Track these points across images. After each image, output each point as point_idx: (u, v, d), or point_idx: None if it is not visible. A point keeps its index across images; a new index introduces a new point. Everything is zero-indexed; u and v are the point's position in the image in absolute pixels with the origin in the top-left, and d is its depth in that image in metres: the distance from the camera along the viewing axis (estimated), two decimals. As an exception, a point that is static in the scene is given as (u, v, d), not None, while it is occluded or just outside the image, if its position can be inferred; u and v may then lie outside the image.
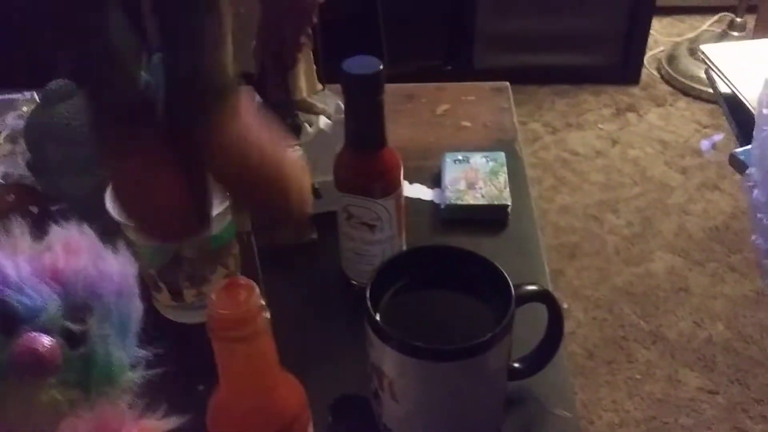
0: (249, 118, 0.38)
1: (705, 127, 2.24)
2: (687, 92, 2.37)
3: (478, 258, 0.60)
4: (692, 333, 1.62)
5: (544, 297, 0.60)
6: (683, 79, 2.39)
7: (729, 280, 1.74)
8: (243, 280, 0.43)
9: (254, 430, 0.46)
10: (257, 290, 0.42)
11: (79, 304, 0.49)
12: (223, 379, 0.45)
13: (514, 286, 0.58)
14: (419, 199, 0.89)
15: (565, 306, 1.67)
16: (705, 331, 1.62)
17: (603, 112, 2.31)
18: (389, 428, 0.60)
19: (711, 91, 1.34)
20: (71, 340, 0.48)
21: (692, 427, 1.43)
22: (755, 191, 0.95)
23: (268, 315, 0.43)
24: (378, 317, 0.57)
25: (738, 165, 1.03)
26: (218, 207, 0.66)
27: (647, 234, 1.89)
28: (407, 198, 0.88)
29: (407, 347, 0.54)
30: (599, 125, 2.26)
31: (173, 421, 0.58)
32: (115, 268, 0.52)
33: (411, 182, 0.91)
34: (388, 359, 0.56)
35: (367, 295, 0.56)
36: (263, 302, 0.42)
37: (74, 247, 0.50)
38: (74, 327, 0.48)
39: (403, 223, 0.76)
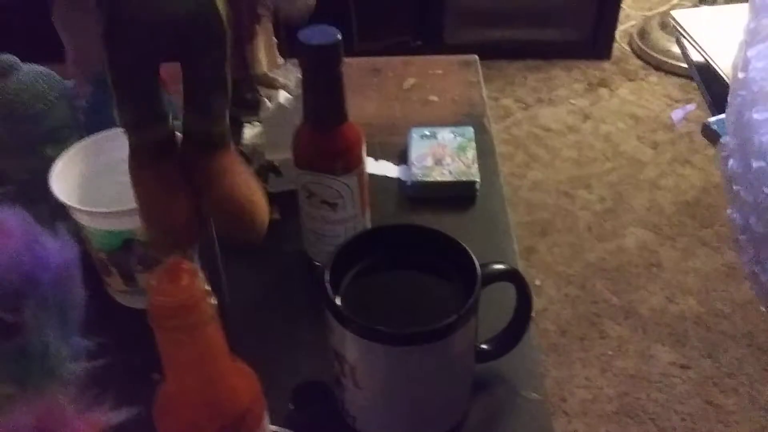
0: (236, 163, 0.54)
1: (677, 101, 2.23)
2: (659, 66, 2.36)
3: (443, 236, 0.58)
4: (664, 308, 1.61)
5: (512, 276, 0.58)
6: (655, 54, 2.38)
7: (700, 254, 1.74)
8: (185, 264, 0.39)
9: (203, 424, 0.43)
10: (201, 275, 0.39)
11: (13, 292, 0.45)
12: (168, 371, 0.42)
13: (480, 265, 0.55)
14: (385, 177, 0.86)
15: (537, 283, 1.66)
16: (677, 306, 1.62)
17: (575, 87, 2.30)
18: (352, 415, 0.58)
19: (683, 65, 1.32)
20: (5, 330, 0.44)
21: (664, 402, 1.43)
22: (730, 161, 0.93)
23: (213, 301, 0.40)
24: (338, 300, 0.54)
25: (711, 135, 1.01)
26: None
27: (619, 209, 1.88)
28: (372, 175, 0.85)
29: (368, 331, 0.51)
30: (571, 100, 2.25)
31: (123, 413, 0.55)
32: (54, 253, 0.48)
33: (376, 159, 0.88)
34: (349, 344, 0.53)
35: (327, 277, 0.54)
36: (207, 288, 0.39)
37: (7, 231, 0.47)
38: (7, 317, 0.44)
39: (366, 202, 0.73)
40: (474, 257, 0.55)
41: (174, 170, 0.52)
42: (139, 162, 0.51)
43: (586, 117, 2.19)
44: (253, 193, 0.52)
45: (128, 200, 0.56)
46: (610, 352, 1.53)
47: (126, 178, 0.51)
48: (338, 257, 0.56)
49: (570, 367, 1.50)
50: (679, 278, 1.68)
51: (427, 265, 0.58)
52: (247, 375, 0.45)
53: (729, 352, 1.51)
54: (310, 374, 0.63)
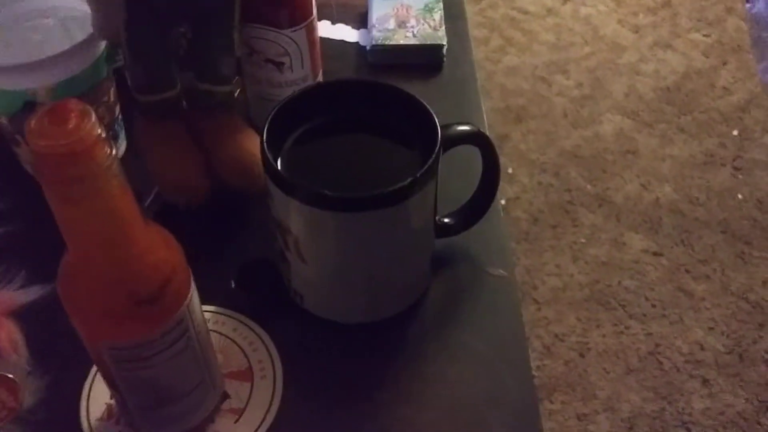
0: (239, 122, 0.59)
1: (660, -18, 2.12)
2: (643, -55, 2.23)
3: (401, 94, 0.51)
4: (639, 196, 1.57)
5: (477, 138, 0.51)
6: (640, -69, 2.25)
7: (678, 141, 1.69)
8: (74, 103, 0.32)
9: (113, 297, 0.37)
10: (94, 117, 0.32)
11: None
12: (67, 237, 0.35)
13: (441, 126, 0.48)
14: (343, 41, 0.78)
15: (509, 171, 1.60)
16: (652, 194, 1.58)
17: (555, -33, 2.17)
18: (299, 293, 0.52)
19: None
20: None
21: (635, 289, 1.41)
22: (758, 2, 0.82)
23: (113, 151, 0.33)
24: (279, 163, 0.48)
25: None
26: (81, 33, 0.54)
27: (597, 95, 1.81)
28: (328, 40, 0.77)
29: (311, 196, 0.45)
30: (550, -19, 2.13)
31: (35, 291, 0.49)
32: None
33: (333, 22, 0.79)
34: (292, 213, 0.47)
35: (264, 136, 0.47)
36: (104, 133, 0.32)
37: None
38: None
39: (318, 64, 0.65)
40: (434, 116, 0.48)
41: (181, 131, 0.56)
42: (148, 123, 0.56)
43: (566, -1, 2.08)
44: (256, 149, 0.51)
45: (26, 55, 0.49)
46: (582, 240, 1.49)
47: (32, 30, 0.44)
48: (279, 115, 0.49)
49: (541, 255, 1.47)
50: (655, 165, 1.64)
51: (382, 127, 0.52)
52: (166, 242, 0.39)
53: (703, 239, 1.48)
54: (255, 252, 0.58)
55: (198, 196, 0.56)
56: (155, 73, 0.55)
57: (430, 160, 0.45)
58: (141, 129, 0.57)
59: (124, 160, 0.63)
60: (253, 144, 0.56)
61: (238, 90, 0.68)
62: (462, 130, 0.50)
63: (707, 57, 1.89)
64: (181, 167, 0.56)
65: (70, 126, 0.31)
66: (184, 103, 0.57)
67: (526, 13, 2.04)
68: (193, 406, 0.45)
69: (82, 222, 0.34)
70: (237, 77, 0.59)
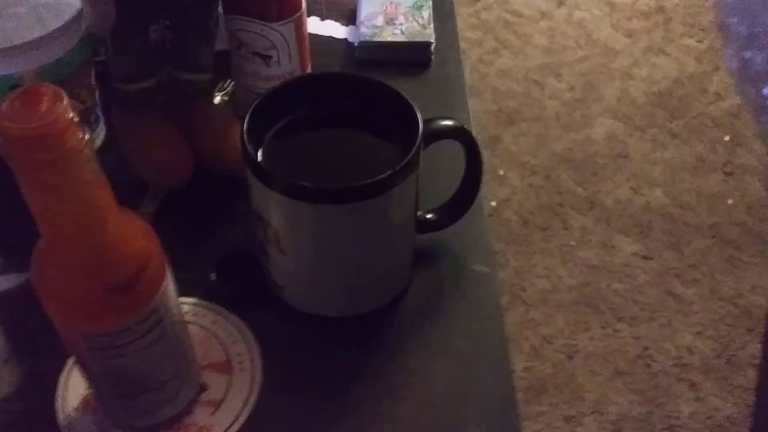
0: (217, 108, 0.62)
1: (654, -12, 2.12)
2: (638, -49, 2.24)
3: (384, 88, 0.51)
4: (629, 199, 1.58)
5: (459, 133, 0.51)
6: (635, -63, 2.25)
7: (669, 146, 1.69)
8: (46, 86, 0.32)
9: (86, 283, 0.37)
10: (66, 100, 0.32)
11: None
12: (39, 222, 0.35)
13: (424, 121, 0.48)
14: (331, 38, 0.78)
15: (500, 173, 1.60)
16: (642, 198, 1.58)
17: (549, -29, 2.17)
18: (279, 285, 0.52)
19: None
20: None
21: (624, 292, 1.41)
22: None
23: (85, 136, 0.33)
24: (259, 155, 0.48)
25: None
26: (57, 21, 0.54)
27: (589, 99, 1.81)
28: (317, 36, 0.77)
29: (290, 188, 0.44)
30: (545, -15, 2.13)
31: (11, 280, 0.49)
32: None
33: (322, 18, 0.79)
34: (271, 205, 0.47)
35: (244, 127, 0.46)
36: (76, 117, 0.32)
37: None
38: None
39: (307, 58, 0.65)
40: (416, 110, 0.48)
41: (162, 119, 0.58)
42: (129, 113, 0.58)
43: (560, 2, 2.08)
44: (236, 132, 0.51)
45: (6, 41, 0.49)
46: (572, 243, 1.49)
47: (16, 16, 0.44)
48: (261, 107, 0.49)
49: (530, 257, 1.47)
50: (646, 169, 1.64)
51: (365, 120, 0.52)
52: (141, 230, 0.39)
53: (692, 243, 1.49)
54: (236, 245, 0.57)
55: (181, 178, 0.57)
56: (138, 64, 0.56)
57: (411, 153, 0.45)
58: (121, 119, 0.59)
59: (104, 151, 0.63)
60: (234, 131, 0.57)
61: (231, 85, 0.68)
62: (444, 124, 0.50)
63: (699, 62, 1.90)
64: (162, 148, 0.57)
65: (42, 109, 0.31)
66: (165, 96, 0.58)
67: (520, 16, 2.05)
68: (170, 397, 0.45)
69: (54, 208, 0.34)
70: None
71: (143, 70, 0.56)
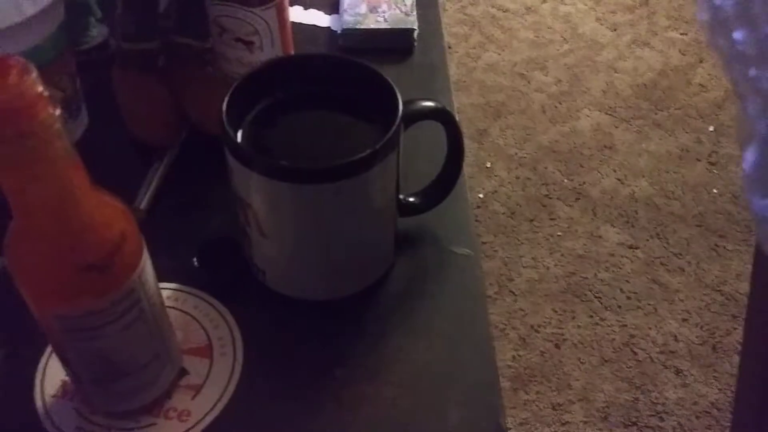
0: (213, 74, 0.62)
1: (638, -20, 2.13)
2: (622, -56, 2.24)
3: (365, 69, 0.50)
4: (615, 190, 1.58)
5: (440, 114, 0.51)
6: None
7: (654, 137, 1.70)
8: (14, 59, 0.31)
9: (60, 262, 0.36)
10: (35, 74, 0.31)
11: None
12: (11, 201, 0.35)
13: (404, 101, 0.48)
14: (314, 26, 0.77)
15: (487, 165, 1.60)
16: (628, 188, 1.58)
17: (534, -35, 2.18)
18: (261, 269, 0.51)
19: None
20: None
21: (611, 281, 1.41)
22: None
23: (56, 111, 0.32)
24: (239, 136, 0.47)
25: None
26: (35, 7, 0.53)
27: (575, 92, 1.81)
28: (300, 25, 0.76)
29: (270, 168, 0.44)
30: (530, -22, 2.13)
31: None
32: None
33: (305, 7, 0.79)
34: (251, 186, 0.46)
35: (223, 108, 0.46)
36: (45, 92, 0.32)
37: None
38: None
39: (289, 45, 0.65)
40: (396, 89, 0.48)
41: (157, 82, 0.60)
42: (127, 72, 0.60)
43: (545, -4, 2.08)
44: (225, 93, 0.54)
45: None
46: (559, 233, 1.50)
47: None
48: (241, 89, 0.48)
49: (518, 248, 1.47)
50: (631, 160, 1.64)
51: (345, 102, 0.51)
52: (117, 210, 0.38)
53: (678, 232, 1.49)
54: (218, 231, 0.57)
55: (169, 134, 0.61)
56: (143, 24, 0.58)
57: (390, 133, 0.45)
58: (121, 77, 0.61)
59: (85, 139, 0.63)
60: (224, 93, 0.59)
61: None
62: (425, 105, 0.50)
63: (684, 54, 1.91)
64: (156, 104, 0.60)
65: (10, 81, 0.31)
66: (163, 60, 0.60)
67: (506, 10, 2.05)
68: (148, 381, 0.44)
69: (25, 186, 0.34)
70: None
71: (147, 31, 0.58)
